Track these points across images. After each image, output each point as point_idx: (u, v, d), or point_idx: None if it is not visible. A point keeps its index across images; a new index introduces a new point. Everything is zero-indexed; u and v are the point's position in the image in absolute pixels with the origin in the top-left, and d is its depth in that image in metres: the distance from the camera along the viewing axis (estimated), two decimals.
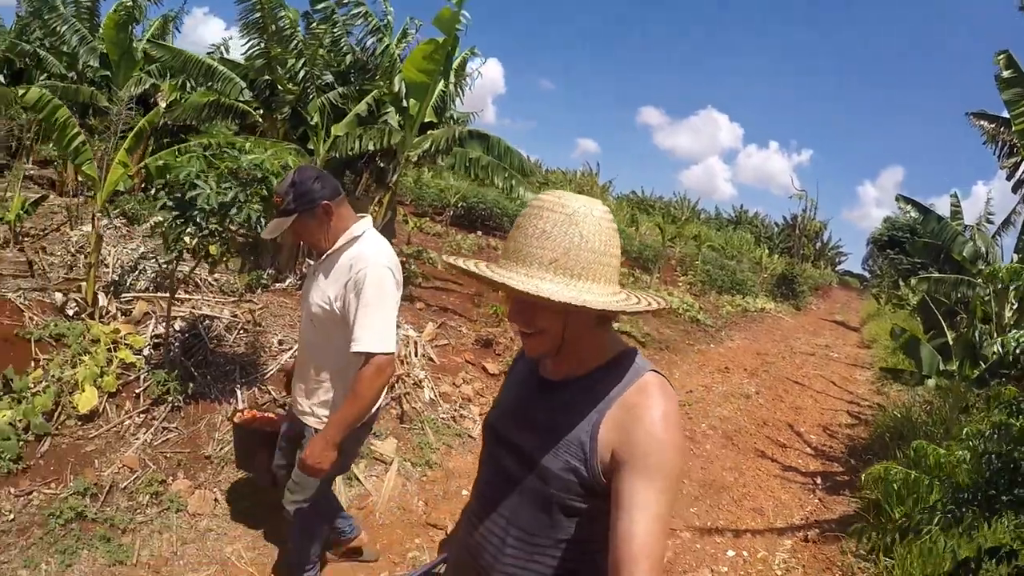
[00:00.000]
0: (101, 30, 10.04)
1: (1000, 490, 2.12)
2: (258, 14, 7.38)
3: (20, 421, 3.75)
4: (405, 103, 7.61)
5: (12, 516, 3.39)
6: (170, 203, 3.90)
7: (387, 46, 7.67)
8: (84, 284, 4.92)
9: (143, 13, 11.38)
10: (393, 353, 2.48)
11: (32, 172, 9.84)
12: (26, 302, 4.73)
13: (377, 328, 2.42)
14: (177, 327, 4.87)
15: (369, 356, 2.40)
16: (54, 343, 4.37)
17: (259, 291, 6.33)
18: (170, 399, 4.27)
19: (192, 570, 3.33)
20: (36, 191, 7.78)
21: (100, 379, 4.18)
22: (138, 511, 3.61)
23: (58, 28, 9.67)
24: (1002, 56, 7.53)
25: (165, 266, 5.65)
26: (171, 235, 4.05)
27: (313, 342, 2.67)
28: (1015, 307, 7.29)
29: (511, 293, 1.21)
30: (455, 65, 8.33)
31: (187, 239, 4.10)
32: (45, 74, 11.22)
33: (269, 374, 4.91)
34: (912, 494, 3.96)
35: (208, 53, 10.04)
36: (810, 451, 6.63)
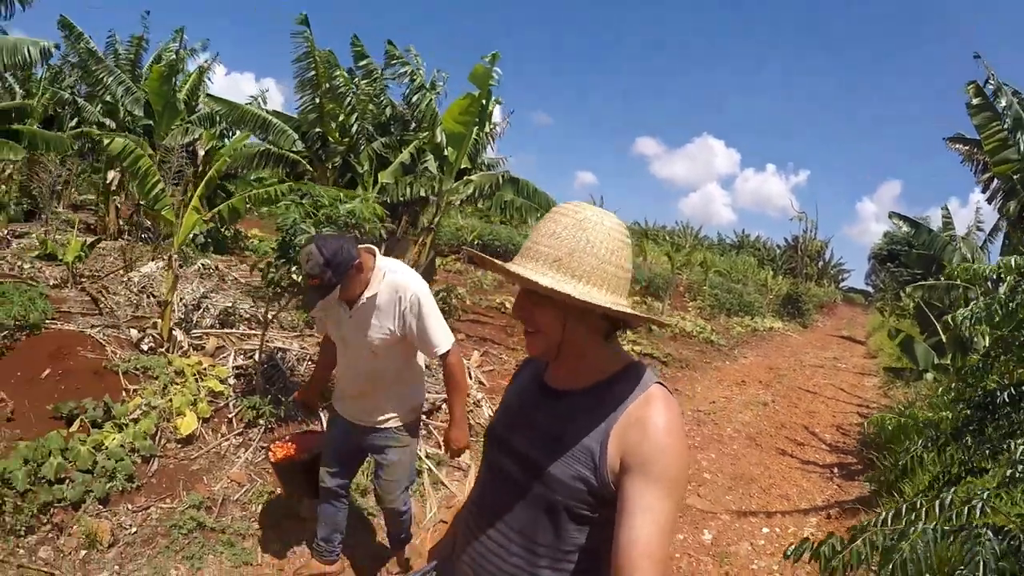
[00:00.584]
0: (144, 81, 10.56)
1: (968, 428, 2.81)
2: (313, 72, 8.20)
3: (128, 444, 4.07)
4: (445, 152, 8.39)
5: (134, 529, 3.69)
6: (274, 247, 4.61)
7: (430, 101, 8.48)
8: (159, 321, 5.31)
9: (184, 66, 12.00)
10: (455, 341, 2.93)
11: (65, 216, 10.36)
12: (105, 338, 5.16)
13: (442, 329, 2.84)
14: (256, 358, 5.33)
15: (447, 353, 2.84)
16: (140, 375, 4.74)
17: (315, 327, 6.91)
18: (262, 422, 4.72)
19: (310, 568, 3.62)
20: (72, 234, 8.26)
21: (194, 406, 4.56)
22: (253, 519, 3.94)
23: (103, 78, 10.11)
24: (971, 86, 8.41)
25: (229, 306, 6.25)
26: (274, 276, 4.70)
27: (375, 369, 2.96)
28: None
29: (510, 279, 1.32)
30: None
31: (283, 280, 4.74)
32: (76, 120, 11.84)
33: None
34: (904, 437, 4.79)
35: (247, 104, 10.59)
36: (826, 447, 7.33)
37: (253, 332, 6.01)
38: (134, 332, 5.30)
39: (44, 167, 10.11)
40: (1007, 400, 2.75)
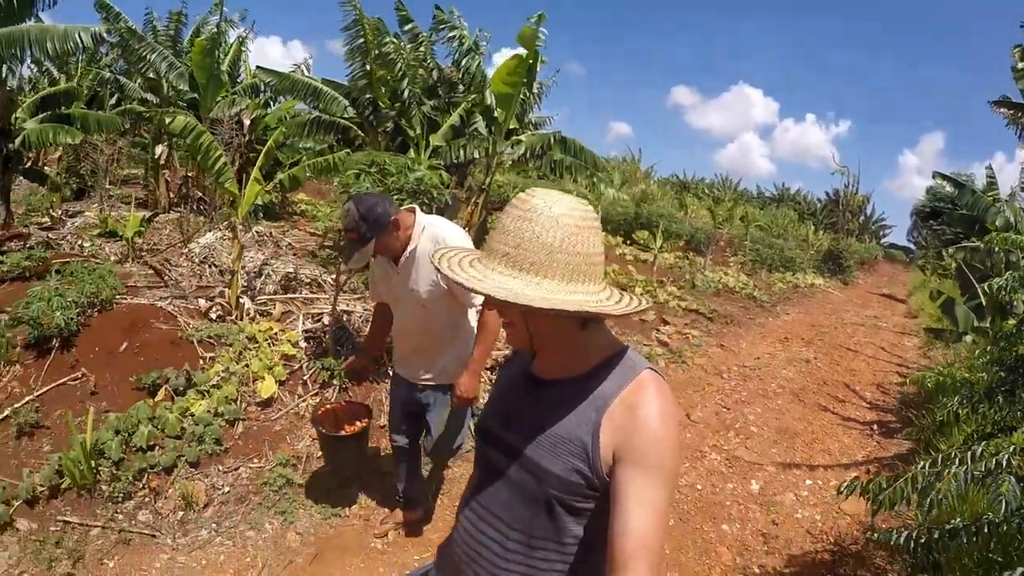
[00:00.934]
0: (187, 55, 10.71)
1: (1000, 389, 3.10)
2: (362, 40, 8.45)
3: (213, 409, 4.32)
4: (495, 113, 8.65)
5: (227, 489, 3.98)
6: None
7: (479, 63, 8.71)
8: (226, 290, 5.57)
9: (225, 38, 11.87)
10: None
11: (113, 192, 10.60)
12: (175, 309, 5.38)
13: None
14: (325, 322, 5.68)
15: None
16: (214, 343, 4.99)
17: (369, 293, 7.16)
18: (336, 382, 5.00)
19: (395, 517, 3.88)
20: (124, 209, 8.69)
21: (270, 370, 4.82)
22: (337, 475, 4.15)
23: (146, 55, 10.12)
24: (1017, 49, 8.45)
25: (290, 271, 6.50)
26: (342, 241, 4.96)
27: (427, 322, 3.07)
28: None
29: (452, 281, 1.29)
30: None
31: None
32: (116, 98, 12.04)
33: None
34: (942, 395, 5.13)
35: (290, 71, 11.00)
36: (866, 405, 7.64)
37: (316, 296, 6.26)
38: (202, 302, 5.54)
39: (93, 146, 10.34)
40: None
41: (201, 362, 4.80)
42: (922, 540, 2.50)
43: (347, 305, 6.16)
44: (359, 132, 9.47)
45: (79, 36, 6.70)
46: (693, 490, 4.85)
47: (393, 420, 3.54)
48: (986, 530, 2.29)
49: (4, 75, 7.63)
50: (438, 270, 1.32)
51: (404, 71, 8.69)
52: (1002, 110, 10.14)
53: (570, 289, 1.24)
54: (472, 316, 3.13)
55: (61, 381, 4.43)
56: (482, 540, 1.38)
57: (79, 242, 7.03)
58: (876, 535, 2.87)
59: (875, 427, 6.81)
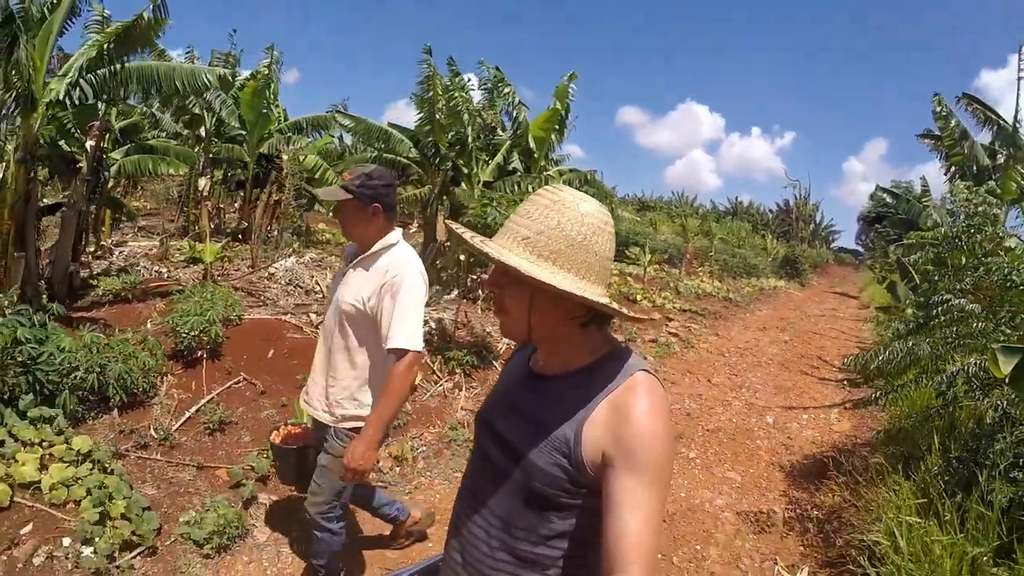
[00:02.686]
0: (239, 94, 11.35)
1: (919, 323, 5.32)
2: (431, 93, 10.08)
3: None
4: (534, 154, 10.69)
5: (423, 448, 4.95)
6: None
7: (524, 115, 10.72)
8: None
9: (276, 80, 12.55)
10: (422, 352, 2.59)
11: (143, 224, 11.49)
12: (297, 321, 6.01)
13: (411, 328, 2.53)
14: (434, 324, 7.18)
15: (401, 353, 2.52)
16: None
17: (441, 301, 8.60)
18: (459, 369, 6.32)
19: None
20: (150, 238, 9.47)
21: None
22: None
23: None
24: (936, 97, 11.01)
25: None
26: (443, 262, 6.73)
27: (336, 340, 2.74)
28: None
29: (470, 249, 1.36)
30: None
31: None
32: (154, 131, 12.09)
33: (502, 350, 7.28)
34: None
35: (328, 112, 12.58)
36: (835, 369, 9.82)
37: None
38: (314, 316, 6.27)
39: (159, 179, 11.38)
40: (939, 303, 5.16)
41: None
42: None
43: (438, 313, 7.73)
44: (418, 169, 11.16)
45: (206, 76, 6.83)
46: (731, 422, 6.84)
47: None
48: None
49: (104, 108, 8.00)
50: (459, 237, 1.31)
51: (468, 119, 10.35)
52: (926, 141, 12.73)
53: (582, 286, 1.23)
54: (382, 360, 2.69)
55: (227, 385, 4.97)
56: (472, 530, 1.39)
57: (154, 268, 7.71)
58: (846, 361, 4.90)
59: (845, 383, 8.95)
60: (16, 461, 3.49)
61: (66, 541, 3.16)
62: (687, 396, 7.60)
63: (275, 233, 10.90)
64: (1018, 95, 10.83)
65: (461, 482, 1.53)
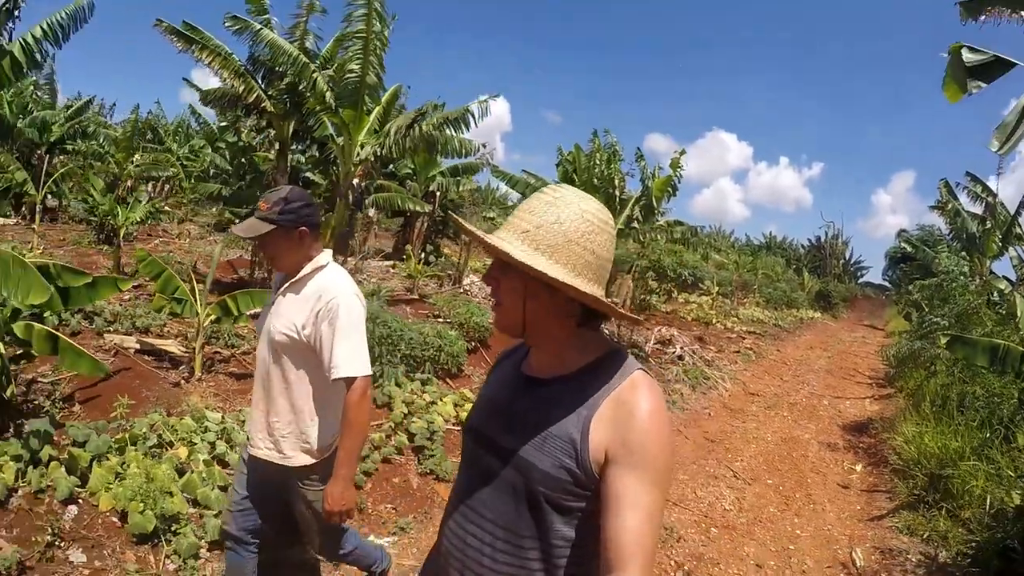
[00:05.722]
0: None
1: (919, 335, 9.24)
2: (573, 165, 13.77)
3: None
4: (655, 208, 14.33)
5: None
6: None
7: (653, 181, 14.33)
8: None
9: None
10: (371, 376, 2.46)
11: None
12: None
13: (356, 353, 2.41)
14: None
15: (351, 381, 2.39)
16: None
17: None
18: None
19: None
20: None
21: None
22: None
23: None
24: (942, 181, 15.01)
25: None
26: None
27: (273, 373, 2.54)
28: None
29: (469, 237, 1.37)
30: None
31: None
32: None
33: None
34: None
35: (520, 175, 15.54)
36: (867, 376, 13.57)
37: None
38: None
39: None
40: (929, 322, 9.05)
41: None
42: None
43: None
44: None
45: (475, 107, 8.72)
46: (802, 401, 10.55)
47: (233, 489, 2.77)
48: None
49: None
50: (466, 229, 1.32)
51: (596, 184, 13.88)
52: (935, 212, 16.65)
53: (577, 283, 1.24)
54: (324, 387, 2.52)
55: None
56: (470, 542, 1.36)
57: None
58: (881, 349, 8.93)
59: (874, 384, 12.70)
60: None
61: None
62: (771, 384, 11.38)
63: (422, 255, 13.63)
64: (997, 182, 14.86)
65: (450, 499, 1.49)
